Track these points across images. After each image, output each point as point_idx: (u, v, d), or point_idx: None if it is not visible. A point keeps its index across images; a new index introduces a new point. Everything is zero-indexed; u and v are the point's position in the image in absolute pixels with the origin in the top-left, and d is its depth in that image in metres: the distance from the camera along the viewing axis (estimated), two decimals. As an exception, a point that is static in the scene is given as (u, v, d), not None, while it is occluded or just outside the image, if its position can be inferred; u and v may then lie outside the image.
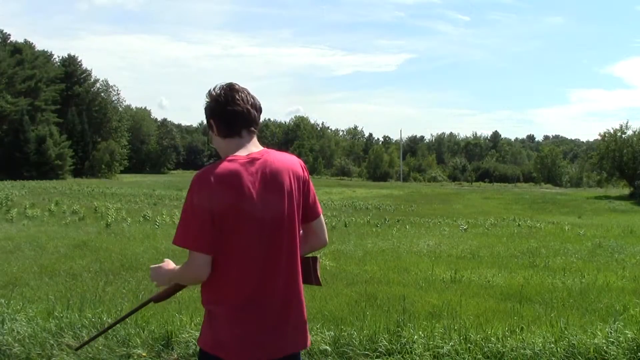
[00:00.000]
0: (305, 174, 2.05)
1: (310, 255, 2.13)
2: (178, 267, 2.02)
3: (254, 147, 1.99)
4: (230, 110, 1.96)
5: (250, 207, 1.86)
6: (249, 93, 2.02)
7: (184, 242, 1.86)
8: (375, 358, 3.76)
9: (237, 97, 1.98)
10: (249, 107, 1.99)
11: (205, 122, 2.12)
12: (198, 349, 2.01)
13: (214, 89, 2.01)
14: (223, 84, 2.02)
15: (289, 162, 2.01)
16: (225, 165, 1.88)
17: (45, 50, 68.86)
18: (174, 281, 2.02)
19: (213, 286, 1.90)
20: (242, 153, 1.95)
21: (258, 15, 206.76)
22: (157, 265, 2.11)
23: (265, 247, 1.90)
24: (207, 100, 2.02)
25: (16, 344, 3.88)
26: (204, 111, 2.06)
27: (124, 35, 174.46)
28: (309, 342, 2.06)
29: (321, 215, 2.12)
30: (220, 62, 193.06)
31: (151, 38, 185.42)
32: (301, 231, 2.05)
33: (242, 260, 1.88)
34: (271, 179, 1.92)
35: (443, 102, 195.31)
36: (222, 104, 1.97)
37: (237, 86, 2.01)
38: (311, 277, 2.08)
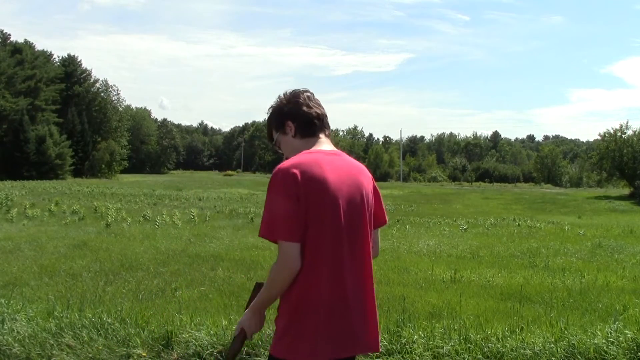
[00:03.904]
0: (373, 182, 2.12)
1: None
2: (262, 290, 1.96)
3: (331, 147, 2.07)
4: (313, 112, 2.05)
5: (333, 200, 1.87)
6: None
7: (271, 234, 1.84)
8: (375, 358, 3.75)
9: (315, 101, 2.08)
10: (325, 113, 2.11)
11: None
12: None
13: (288, 93, 2.09)
14: (296, 89, 2.10)
15: (362, 166, 2.10)
16: (307, 157, 1.91)
17: (45, 50, 68.91)
18: (266, 296, 1.93)
19: (297, 283, 1.86)
20: (321, 148, 2.02)
21: (258, 15, 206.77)
22: (240, 322, 2.02)
23: (347, 241, 1.90)
24: (280, 103, 2.09)
25: (16, 344, 3.88)
26: (272, 114, 2.11)
27: (124, 35, 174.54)
28: (379, 347, 2.02)
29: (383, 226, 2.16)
30: (220, 62, 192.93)
31: (151, 38, 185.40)
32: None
33: (325, 254, 1.86)
34: (351, 175, 1.97)
35: (443, 102, 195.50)
36: (303, 105, 2.04)
37: (311, 92, 2.11)
38: None
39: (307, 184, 1.83)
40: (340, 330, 1.88)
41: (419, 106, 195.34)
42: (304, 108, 2.03)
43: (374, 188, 2.09)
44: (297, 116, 2.04)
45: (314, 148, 2.00)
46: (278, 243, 1.84)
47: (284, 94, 2.10)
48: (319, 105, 2.08)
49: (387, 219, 2.15)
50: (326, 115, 2.10)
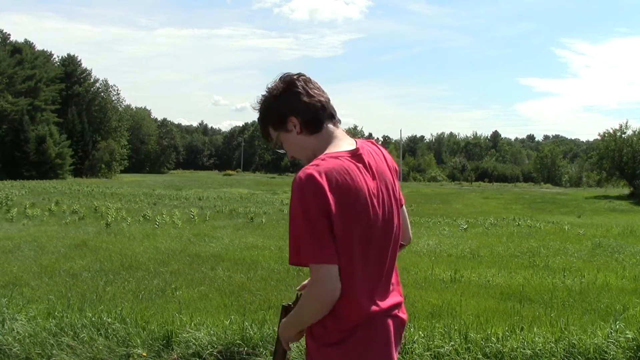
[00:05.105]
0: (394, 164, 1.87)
1: None
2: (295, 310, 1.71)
3: (348, 139, 1.76)
4: (317, 101, 1.73)
5: (366, 208, 1.62)
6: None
7: (308, 259, 1.56)
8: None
9: (313, 85, 1.76)
10: (328, 97, 1.78)
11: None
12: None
13: (280, 81, 1.74)
14: (288, 75, 1.76)
15: (384, 153, 1.82)
16: (334, 163, 1.61)
17: (45, 50, 68.91)
18: (298, 320, 1.69)
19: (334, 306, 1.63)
20: (343, 147, 1.70)
21: (258, 14, 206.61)
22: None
23: (382, 251, 1.73)
24: (273, 96, 1.74)
25: (16, 344, 3.88)
26: (266, 110, 1.76)
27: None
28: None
29: (404, 206, 1.90)
30: (223, 57, 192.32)
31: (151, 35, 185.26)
32: None
33: (361, 270, 1.65)
34: (379, 175, 1.71)
35: (437, 98, 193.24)
36: (303, 95, 1.72)
37: (306, 75, 1.78)
38: None
39: (337, 198, 1.56)
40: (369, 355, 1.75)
41: (417, 107, 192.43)
42: (305, 98, 1.71)
43: (396, 171, 1.84)
44: (299, 109, 1.71)
45: (338, 149, 1.68)
46: (309, 267, 1.57)
47: (275, 84, 1.74)
48: (320, 89, 1.76)
49: (403, 199, 1.89)
50: (329, 100, 1.77)
